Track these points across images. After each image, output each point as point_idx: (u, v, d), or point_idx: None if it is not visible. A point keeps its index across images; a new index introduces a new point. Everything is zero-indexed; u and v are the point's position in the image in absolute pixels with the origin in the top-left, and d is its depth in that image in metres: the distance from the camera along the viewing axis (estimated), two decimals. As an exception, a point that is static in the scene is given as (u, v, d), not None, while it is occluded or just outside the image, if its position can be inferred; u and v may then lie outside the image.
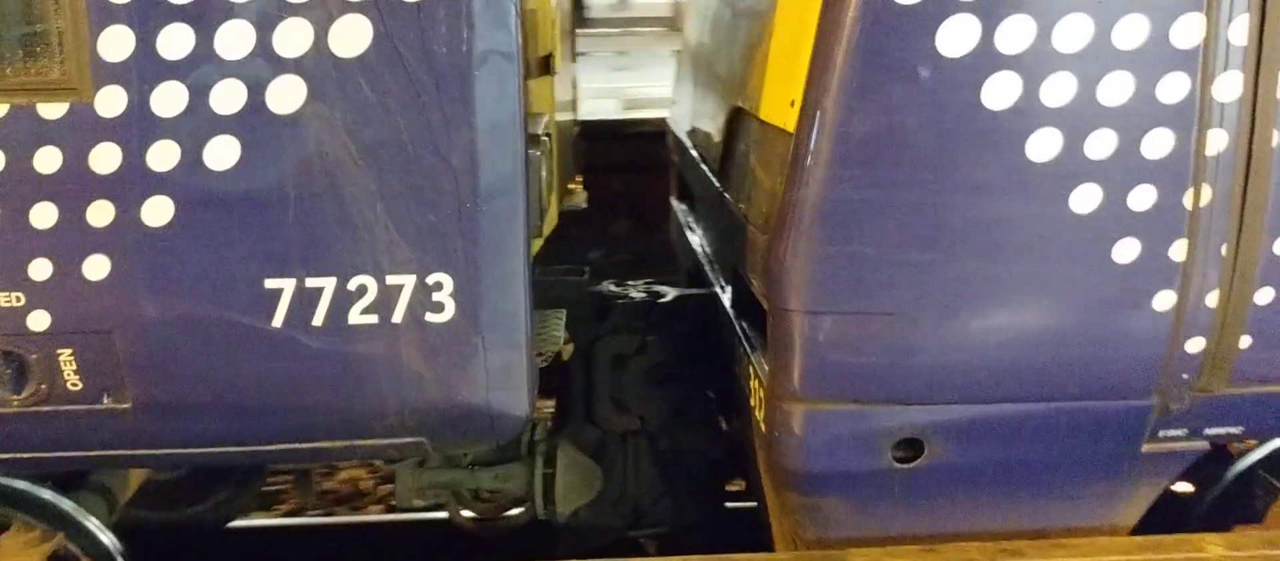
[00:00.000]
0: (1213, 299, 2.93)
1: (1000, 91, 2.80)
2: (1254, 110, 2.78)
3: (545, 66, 3.70)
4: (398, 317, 3.02)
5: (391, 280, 2.99)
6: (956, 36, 2.78)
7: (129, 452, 3.21)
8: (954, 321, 2.98)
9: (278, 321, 2.99)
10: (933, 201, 2.88)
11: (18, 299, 2.95)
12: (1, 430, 3.11)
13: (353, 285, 2.99)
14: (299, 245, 2.94)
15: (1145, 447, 3.17)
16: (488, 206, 2.97)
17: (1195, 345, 2.99)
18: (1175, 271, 2.89)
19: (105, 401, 3.08)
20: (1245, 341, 2.98)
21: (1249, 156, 2.81)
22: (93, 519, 3.64)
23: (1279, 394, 3.08)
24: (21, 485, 3.56)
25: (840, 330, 3.01)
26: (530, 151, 3.06)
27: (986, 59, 2.79)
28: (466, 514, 4.52)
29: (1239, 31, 2.77)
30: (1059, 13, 2.75)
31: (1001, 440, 3.14)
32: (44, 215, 2.89)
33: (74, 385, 3.05)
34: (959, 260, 2.92)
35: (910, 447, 3.16)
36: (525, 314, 3.08)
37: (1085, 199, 2.85)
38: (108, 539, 3.66)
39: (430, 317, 3.03)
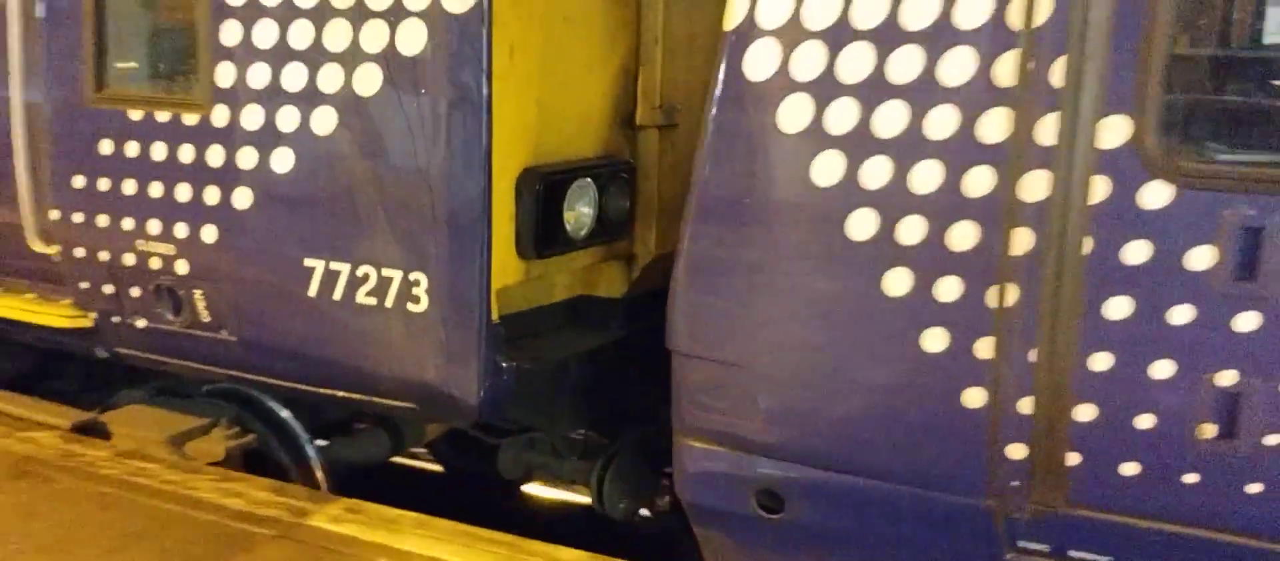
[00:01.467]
0: (1027, 405, 2.76)
1: (826, 169, 2.92)
2: (1063, 213, 2.61)
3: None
4: (389, 303, 3.81)
5: (386, 272, 3.79)
6: (793, 114, 2.96)
7: (235, 374, 4.34)
8: (792, 382, 3.11)
9: (311, 291, 3.92)
10: (770, 265, 3.06)
11: (170, 249, 4.19)
12: (170, 342, 4.39)
13: (360, 272, 3.83)
14: (325, 235, 3.85)
15: (1008, 556, 3.01)
16: (453, 223, 3.65)
17: (1017, 452, 2.82)
18: (983, 370, 2.78)
19: (222, 333, 4.23)
20: (1074, 458, 2.75)
21: (1059, 260, 2.64)
22: (302, 431, 4.72)
23: (1141, 527, 2.78)
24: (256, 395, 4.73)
25: (706, 373, 3.27)
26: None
27: (815, 138, 2.93)
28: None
29: (1048, 130, 2.62)
30: (879, 98, 2.82)
31: (855, 511, 3.17)
32: (183, 191, 4.09)
33: (205, 318, 4.24)
34: (791, 324, 3.06)
35: (773, 499, 3.30)
36: (480, 317, 3.70)
37: (897, 282, 2.86)
38: (311, 450, 4.79)
39: (411, 307, 3.78)
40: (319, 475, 4.62)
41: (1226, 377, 2.55)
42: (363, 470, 5.49)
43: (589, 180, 4.08)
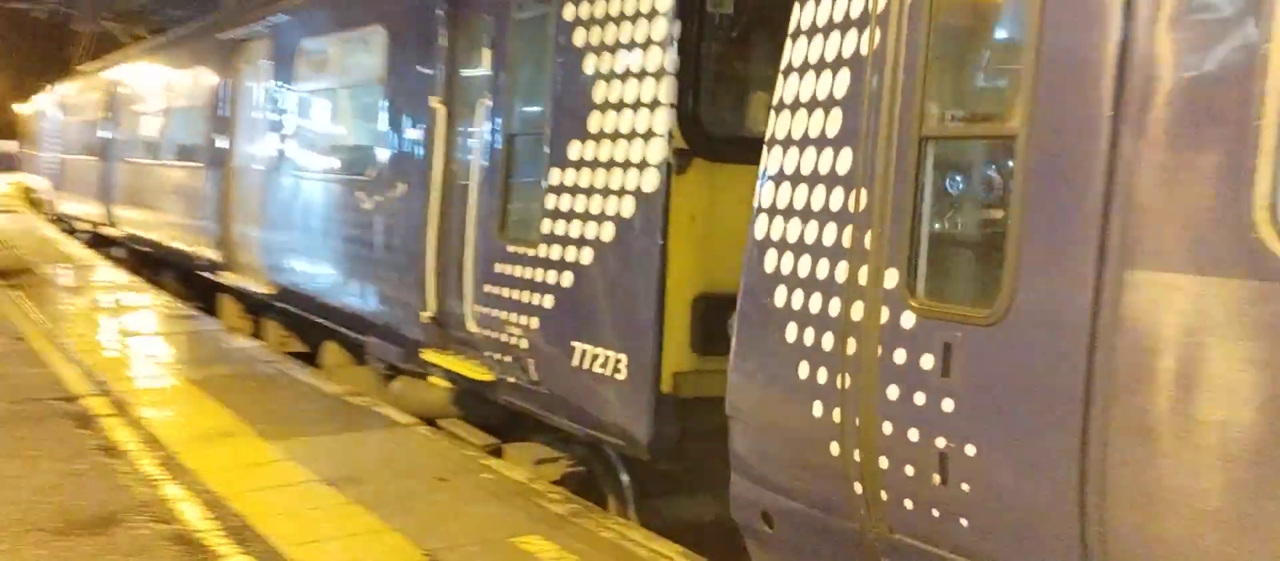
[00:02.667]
0: (857, 455, 4.12)
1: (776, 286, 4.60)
2: (869, 329, 4.04)
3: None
4: (608, 372, 5.96)
5: (607, 352, 5.96)
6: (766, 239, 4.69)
7: (542, 415, 6.74)
8: (760, 433, 4.73)
9: (574, 362, 6.22)
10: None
11: (520, 332, 6.77)
12: (517, 393, 6.93)
13: (596, 351, 6.04)
14: (583, 327, 6.14)
15: (884, 564, 4.30)
16: (639, 327, 5.74)
17: (858, 488, 4.16)
18: (837, 430, 4.20)
19: (541, 388, 6.66)
20: (884, 496, 4.05)
21: (865, 358, 4.05)
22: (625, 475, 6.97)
23: (937, 553, 3.97)
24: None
25: (732, 425, 5.00)
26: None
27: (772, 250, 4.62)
28: None
29: (862, 276, 4.09)
30: (791, 249, 4.47)
31: (799, 528, 4.64)
32: (527, 297, 6.66)
33: (534, 377, 6.71)
34: (764, 394, 4.71)
35: (767, 518, 4.86)
36: (653, 386, 5.70)
37: (804, 371, 4.41)
38: (625, 476, 7.06)
39: (616, 376, 5.90)
40: (630, 504, 6.78)
41: (940, 442, 3.80)
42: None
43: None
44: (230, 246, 12.74)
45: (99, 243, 21.80)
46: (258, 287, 11.85)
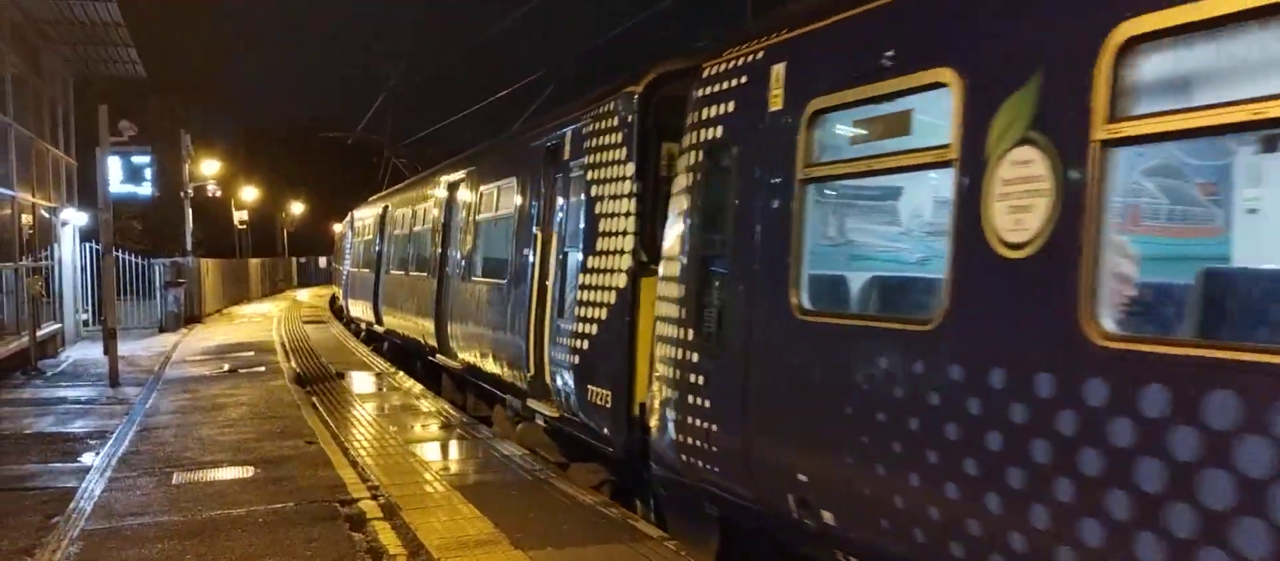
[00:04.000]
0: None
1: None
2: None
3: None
4: (603, 403, 9.27)
5: (604, 389, 9.27)
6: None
7: (582, 436, 10.13)
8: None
9: (589, 398, 9.60)
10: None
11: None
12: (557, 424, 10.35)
13: (591, 388, 9.38)
14: (593, 373, 9.55)
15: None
16: (618, 373, 9.08)
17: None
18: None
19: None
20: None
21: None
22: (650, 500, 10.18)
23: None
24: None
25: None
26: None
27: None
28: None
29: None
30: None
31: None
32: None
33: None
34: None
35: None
36: (625, 410, 8.95)
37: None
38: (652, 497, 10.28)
39: (607, 405, 9.20)
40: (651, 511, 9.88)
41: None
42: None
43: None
44: (443, 336, 16.91)
45: (370, 339, 26.94)
46: (454, 366, 15.94)
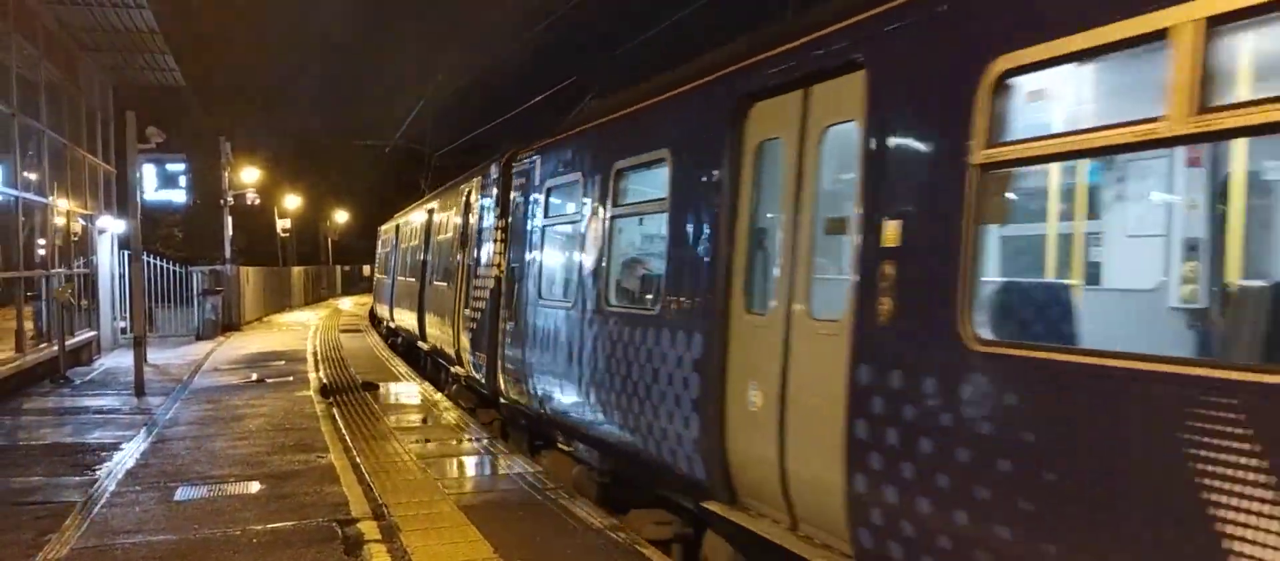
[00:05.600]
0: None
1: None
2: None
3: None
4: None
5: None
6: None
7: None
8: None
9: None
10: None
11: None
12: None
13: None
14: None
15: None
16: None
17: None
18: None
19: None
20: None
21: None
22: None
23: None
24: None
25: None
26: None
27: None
28: None
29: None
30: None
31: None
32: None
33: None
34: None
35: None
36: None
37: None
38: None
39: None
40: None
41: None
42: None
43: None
44: (460, 349, 16.72)
45: (409, 353, 26.23)
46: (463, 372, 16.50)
